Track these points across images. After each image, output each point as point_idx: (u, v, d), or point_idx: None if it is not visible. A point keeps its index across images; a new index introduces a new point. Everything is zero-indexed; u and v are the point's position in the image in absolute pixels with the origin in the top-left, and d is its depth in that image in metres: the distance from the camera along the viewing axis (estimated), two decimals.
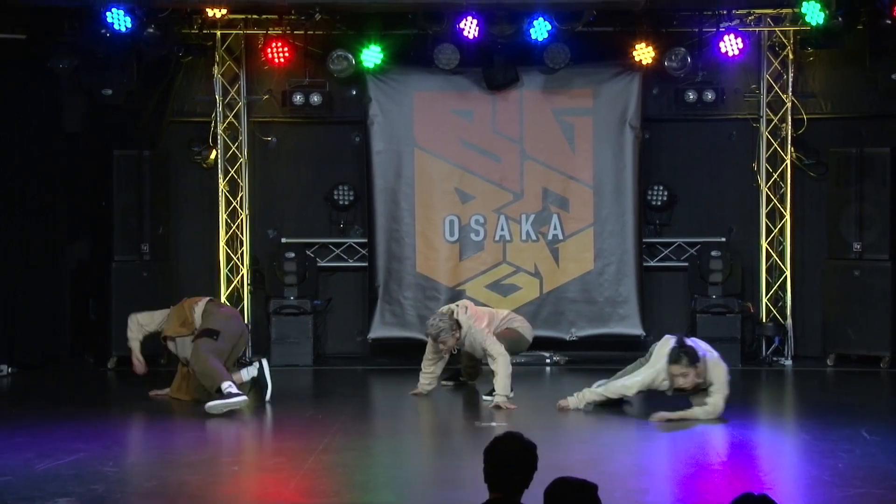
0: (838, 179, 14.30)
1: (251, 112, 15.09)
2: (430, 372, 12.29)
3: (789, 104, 14.67)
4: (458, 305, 12.19)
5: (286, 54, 14.28)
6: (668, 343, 11.11)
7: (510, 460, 5.90)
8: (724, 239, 14.85)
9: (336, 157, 15.20)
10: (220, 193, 14.87)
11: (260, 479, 8.99)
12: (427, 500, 8.06)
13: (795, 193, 14.70)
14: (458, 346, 12.11)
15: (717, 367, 10.85)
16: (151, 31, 13.34)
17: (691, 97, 14.43)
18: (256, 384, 11.89)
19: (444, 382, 12.67)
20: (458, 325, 11.86)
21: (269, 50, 14.27)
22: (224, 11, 14.04)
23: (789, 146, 14.68)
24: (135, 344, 12.17)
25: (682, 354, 10.73)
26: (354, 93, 14.93)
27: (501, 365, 11.62)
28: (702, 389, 10.85)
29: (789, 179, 14.70)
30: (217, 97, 14.89)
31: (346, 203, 15.02)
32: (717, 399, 10.72)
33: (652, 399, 11.20)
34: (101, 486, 8.58)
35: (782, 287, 14.73)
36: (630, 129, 14.59)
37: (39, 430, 10.51)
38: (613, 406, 11.51)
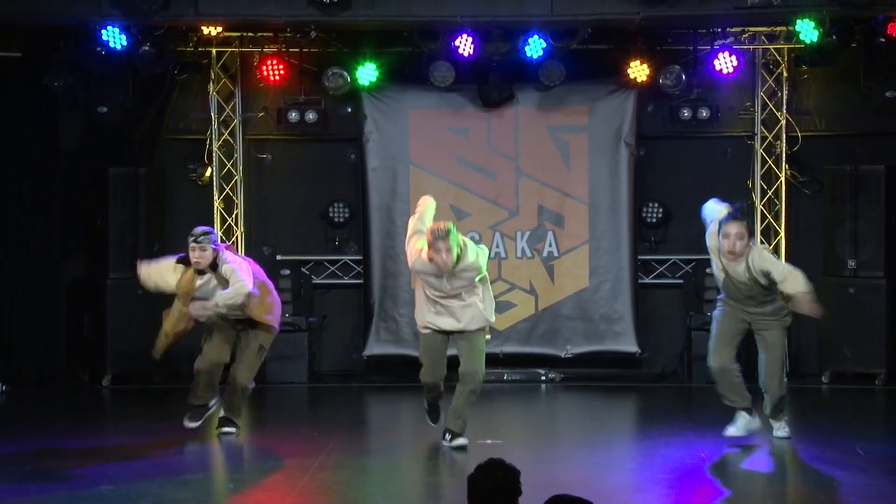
0: (833, 197, 14.31)
1: (246, 129, 15.10)
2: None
3: (784, 122, 14.69)
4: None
5: (281, 72, 14.29)
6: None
7: (492, 488, 5.91)
8: None
9: (331, 174, 15.20)
10: (215, 211, 14.87)
11: (256, 497, 8.98)
12: None
13: (790, 211, 14.72)
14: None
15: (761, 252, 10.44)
16: (147, 48, 13.34)
17: (686, 114, 14.45)
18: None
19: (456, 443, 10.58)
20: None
21: (264, 67, 14.29)
22: (219, 29, 14.06)
23: (784, 163, 14.70)
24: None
25: (740, 213, 10.46)
26: (350, 110, 14.93)
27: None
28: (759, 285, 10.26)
29: (784, 197, 14.72)
30: (212, 114, 14.91)
31: (342, 220, 15.03)
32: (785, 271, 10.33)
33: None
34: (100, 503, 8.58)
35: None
36: (625, 146, 14.61)
37: (33, 450, 10.49)
38: (610, 422, 11.49)
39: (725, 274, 10.33)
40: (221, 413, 11.03)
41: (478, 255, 10.33)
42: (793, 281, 10.14)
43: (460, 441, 10.28)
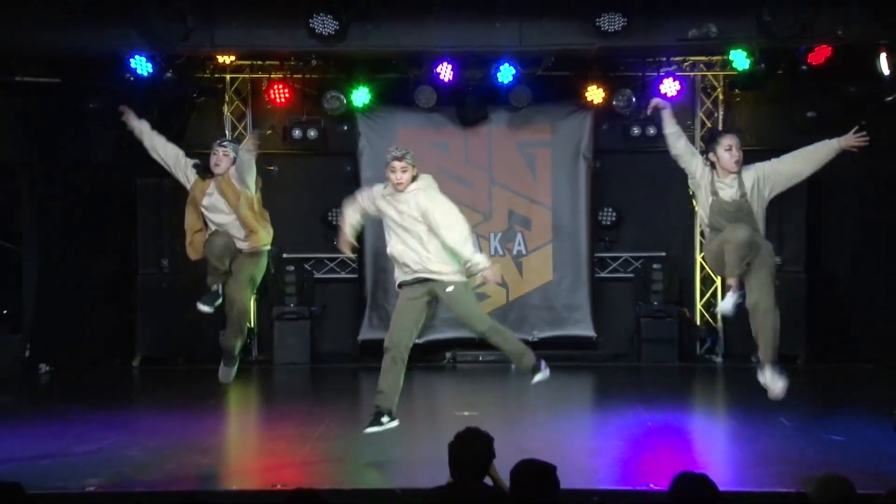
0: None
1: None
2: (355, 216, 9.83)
3: None
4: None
5: (286, 95, 14.33)
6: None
7: (468, 454, 5.96)
8: (664, 254, 14.92)
9: (330, 183, 15.20)
10: None
11: (263, 462, 9.00)
12: (411, 481, 8.07)
13: None
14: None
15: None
16: (169, 75, 13.36)
17: (636, 132, 14.51)
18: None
19: (367, 431, 9.12)
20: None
21: (271, 91, 14.33)
22: (233, 58, 14.07)
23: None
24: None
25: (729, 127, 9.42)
26: (346, 128, 14.95)
27: (463, 230, 9.05)
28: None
29: None
30: (227, 132, 14.91)
31: (339, 223, 15.02)
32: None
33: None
34: (128, 468, 8.59)
35: (714, 295, 14.81)
36: (583, 159, 14.65)
37: (73, 421, 10.51)
38: (570, 397, 11.49)
39: (715, 196, 9.01)
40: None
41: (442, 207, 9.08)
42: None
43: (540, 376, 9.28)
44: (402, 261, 9.12)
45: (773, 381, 8.78)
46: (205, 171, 9.69)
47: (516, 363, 9.34)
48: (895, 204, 14.13)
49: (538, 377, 9.20)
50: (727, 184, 9.00)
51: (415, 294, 9.05)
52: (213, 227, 9.66)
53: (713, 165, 9.03)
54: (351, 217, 9.48)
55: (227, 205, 9.54)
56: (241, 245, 9.60)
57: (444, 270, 8.96)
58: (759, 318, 8.91)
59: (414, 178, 9.14)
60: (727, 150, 9.00)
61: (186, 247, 9.75)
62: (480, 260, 8.96)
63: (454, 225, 8.92)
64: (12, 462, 8.70)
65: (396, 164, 9.09)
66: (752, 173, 9.06)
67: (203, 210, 9.64)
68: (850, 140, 9.16)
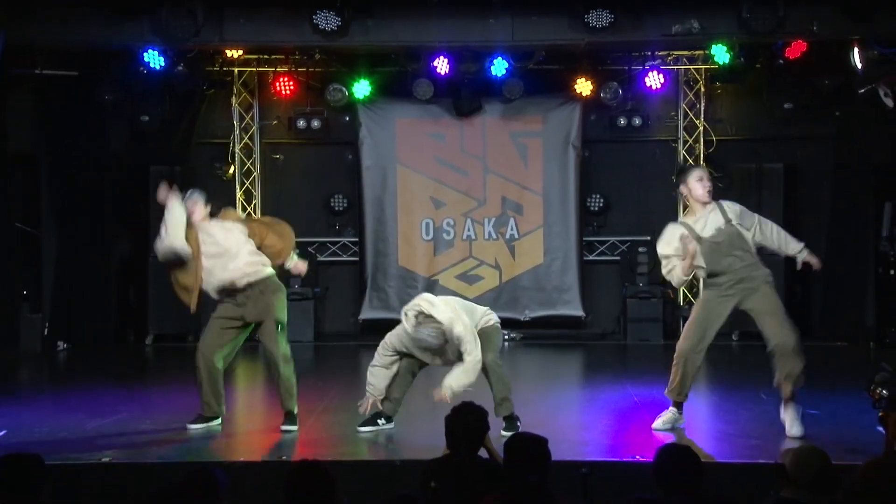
0: (741, 190, 14.31)
1: (263, 135, 15.08)
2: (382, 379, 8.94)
3: (701, 128, 14.72)
4: (421, 303, 8.67)
5: (291, 87, 14.29)
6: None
7: (464, 427, 5.93)
8: (649, 238, 14.84)
9: (332, 171, 15.19)
10: (237, 201, 14.84)
11: (270, 434, 8.95)
12: (409, 454, 8.04)
13: None
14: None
15: None
16: (181, 68, 13.34)
17: (622, 122, 14.49)
18: None
19: (361, 429, 8.77)
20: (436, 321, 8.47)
21: (277, 84, 14.30)
22: (240, 52, 14.06)
23: (702, 162, 14.71)
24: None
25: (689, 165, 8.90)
26: (347, 119, 14.92)
27: (471, 369, 8.48)
28: None
29: None
30: (235, 122, 14.90)
31: (341, 209, 15.02)
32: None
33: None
34: (141, 440, 8.56)
35: (696, 277, 14.72)
36: (573, 148, 14.62)
37: (89, 396, 10.48)
38: (560, 373, 11.46)
39: (699, 240, 8.54)
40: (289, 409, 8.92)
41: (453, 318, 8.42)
42: (769, 223, 8.74)
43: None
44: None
45: (794, 424, 8.52)
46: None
47: (497, 406, 8.50)
48: (866, 191, 14.11)
49: (509, 432, 8.27)
50: (704, 220, 8.62)
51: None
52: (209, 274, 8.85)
53: (684, 209, 8.78)
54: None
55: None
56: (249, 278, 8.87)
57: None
58: (789, 359, 8.53)
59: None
60: (699, 180, 8.62)
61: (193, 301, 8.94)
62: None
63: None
64: (32, 434, 8.67)
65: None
66: (735, 207, 8.73)
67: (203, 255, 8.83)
68: (811, 259, 8.68)
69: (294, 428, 8.83)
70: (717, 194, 14.53)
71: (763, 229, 8.69)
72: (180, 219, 8.78)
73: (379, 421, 8.84)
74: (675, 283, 8.96)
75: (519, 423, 8.48)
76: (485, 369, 8.65)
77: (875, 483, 4.95)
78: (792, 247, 8.71)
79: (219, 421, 8.96)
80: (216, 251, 8.82)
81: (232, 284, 8.79)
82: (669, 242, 8.70)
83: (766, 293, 8.63)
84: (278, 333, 8.92)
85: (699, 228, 8.61)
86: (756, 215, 8.75)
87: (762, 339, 8.83)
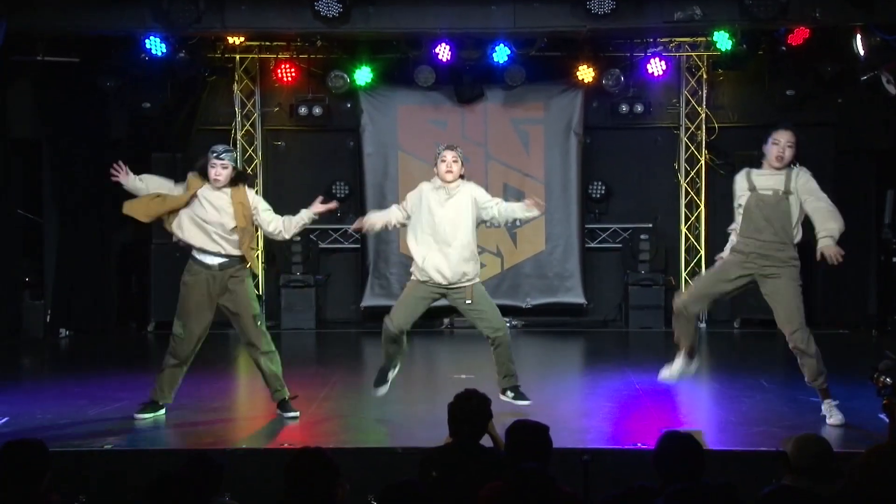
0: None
1: (264, 122, 15.08)
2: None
3: (703, 115, 14.71)
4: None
5: (293, 74, 14.28)
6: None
7: (466, 414, 5.93)
8: (651, 225, 14.89)
9: (334, 158, 15.19)
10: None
11: (272, 422, 8.96)
12: (411, 441, 8.04)
13: (709, 188, 14.75)
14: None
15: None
16: (182, 55, 13.33)
17: (624, 109, 14.48)
18: None
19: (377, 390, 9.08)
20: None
21: (279, 70, 14.29)
22: (242, 39, 14.05)
23: (704, 149, 14.74)
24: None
25: (788, 124, 8.70)
26: (349, 106, 14.91)
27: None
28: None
29: (704, 176, 14.75)
30: (236, 109, 14.90)
31: (343, 196, 15.00)
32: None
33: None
34: (142, 427, 8.57)
35: (698, 264, 14.77)
36: (574, 135, 14.60)
37: (91, 383, 10.49)
38: (562, 361, 11.45)
39: (752, 191, 8.44)
40: (281, 398, 8.93)
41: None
42: (824, 201, 8.53)
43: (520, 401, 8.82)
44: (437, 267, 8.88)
45: (831, 414, 8.37)
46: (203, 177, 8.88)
47: (500, 378, 8.87)
48: (868, 178, 14.11)
49: (519, 401, 8.77)
50: (768, 176, 8.45)
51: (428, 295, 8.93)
52: (190, 229, 8.78)
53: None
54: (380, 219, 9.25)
55: (232, 215, 8.79)
56: (229, 250, 8.78)
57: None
58: (804, 359, 8.48)
59: (462, 176, 9.01)
60: (775, 143, 8.42)
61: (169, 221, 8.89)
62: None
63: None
64: (34, 421, 8.68)
65: (448, 153, 8.99)
66: (808, 183, 8.52)
67: (189, 208, 8.80)
68: (828, 252, 8.34)
69: (296, 413, 8.82)
70: (720, 180, 14.66)
71: (810, 203, 8.47)
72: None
73: (389, 375, 8.99)
74: None
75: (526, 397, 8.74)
76: (497, 343, 8.78)
77: (877, 470, 4.95)
78: (820, 227, 8.40)
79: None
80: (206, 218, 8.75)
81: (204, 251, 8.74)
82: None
83: (785, 281, 8.50)
84: (258, 327, 8.83)
85: (758, 180, 8.47)
86: (816, 192, 8.53)
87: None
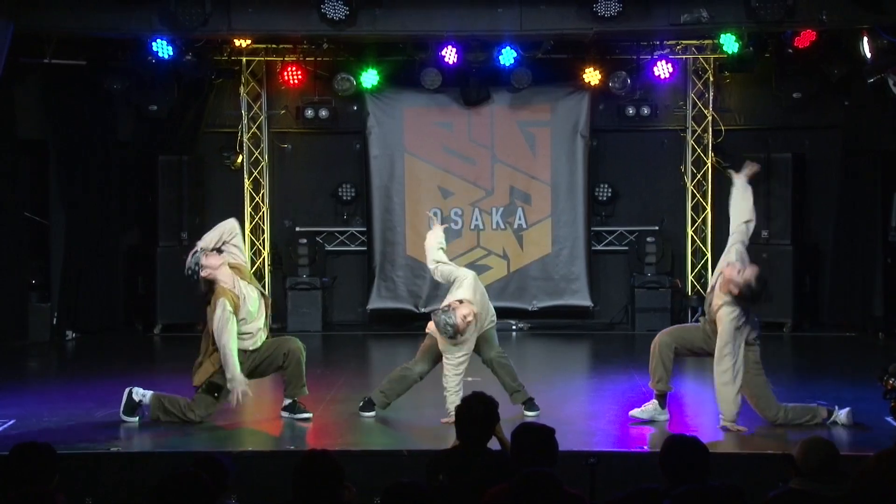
0: (749, 179, 14.30)
1: (271, 124, 15.07)
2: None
3: (710, 118, 14.68)
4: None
5: (299, 77, 14.28)
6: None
7: (474, 417, 5.94)
8: (657, 227, 14.87)
9: (340, 160, 15.18)
10: (245, 191, 14.86)
11: (279, 423, 8.99)
12: (418, 443, 8.06)
13: (715, 191, 14.70)
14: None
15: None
16: (189, 58, 13.35)
17: (630, 112, 14.46)
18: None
19: (363, 414, 9.08)
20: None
21: (285, 73, 14.28)
22: (248, 42, 14.04)
23: (710, 152, 14.70)
24: None
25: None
26: (355, 108, 14.90)
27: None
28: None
29: (710, 179, 14.71)
30: (243, 112, 14.89)
31: (349, 198, 15.01)
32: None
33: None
34: (148, 430, 8.59)
35: (704, 266, 14.76)
36: (581, 137, 14.59)
37: (98, 385, 10.51)
38: (568, 363, 11.44)
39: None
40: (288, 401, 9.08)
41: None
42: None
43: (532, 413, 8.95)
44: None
45: (841, 416, 8.52)
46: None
47: (513, 395, 9.08)
48: (874, 180, 14.09)
49: (531, 412, 8.99)
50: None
51: None
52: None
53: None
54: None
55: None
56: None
57: None
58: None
59: None
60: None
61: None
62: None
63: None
64: (40, 423, 8.70)
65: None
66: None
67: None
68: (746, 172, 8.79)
69: (310, 414, 8.97)
70: (727, 183, 14.63)
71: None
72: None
73: (374, 409, 9.06)
74: None
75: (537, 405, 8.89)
76: (492, 366, 8.86)
77: (885, 475, 4.95)
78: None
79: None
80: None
81: None
82: None
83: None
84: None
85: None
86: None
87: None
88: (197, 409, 8.75)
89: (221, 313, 8.47)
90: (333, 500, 4.94)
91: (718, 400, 8.51)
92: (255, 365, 8.88)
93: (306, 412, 9.00)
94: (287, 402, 9.04)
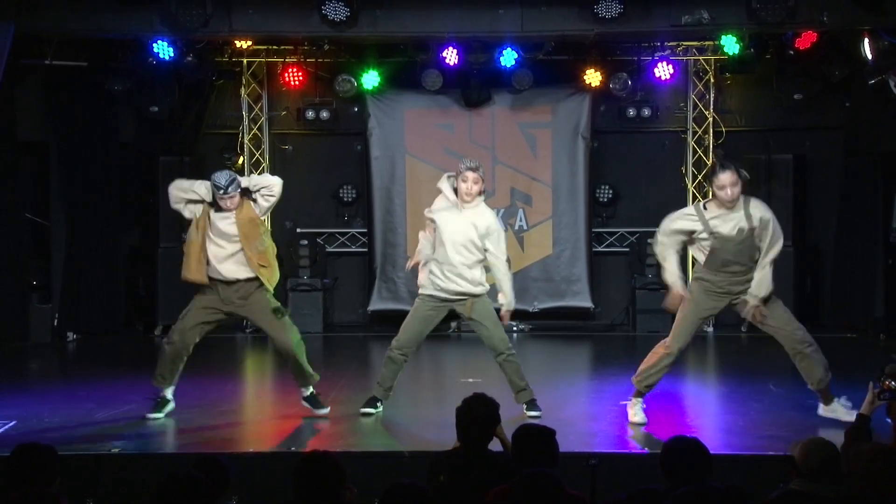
0: (750, 181, 14.28)
1: (272, 125, 15.08)
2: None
3: (711, 119, 14.70)
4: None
5: (300, 78, 14.29)
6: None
7: (475, 418, 5.94)
8: (658, 229, 14.85)
9: (341, 162, 15.19)
10: None
11: (279, 425, 8.99)
12: (419, 444, 8.06)
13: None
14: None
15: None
16: (190, 59, 13.36)
17: (631, 113, 14.47)
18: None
19: (363, 410, 9.11)
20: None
21: (286, 74, 14.29)
22: (249, 43, 14.05)
23: (711, 153, 14.71)
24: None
25: (727, 161, 8.91)
26: (356, 109, 14.92)
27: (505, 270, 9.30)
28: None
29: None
30: (244, 113, 14.91)
31: (350, 200, 15.02)
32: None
33: None
34: (149, 431, 8.59)
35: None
36: (582, 139, 14.60)
37: (99, 386, 10.52)
38: (569, 364, 11.45)
39: (714, 237, 8.58)
40: (307, 392, 9.14)
41: (498, 231, 9.10)
42: (777, 246, 8.72)
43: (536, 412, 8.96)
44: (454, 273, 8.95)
45: (841, 413, 8.55)
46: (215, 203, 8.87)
47: (516, 395, 9.07)
48: (875, 182, 14.10)
49: (532, 412, 8.97)
50: (728, 217, 8.59)
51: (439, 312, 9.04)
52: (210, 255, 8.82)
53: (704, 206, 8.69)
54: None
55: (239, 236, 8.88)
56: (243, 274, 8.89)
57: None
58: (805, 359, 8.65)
59: (481, 193, 9.04)
60: (721, 188, 8.57)
61: (192, 267, 8.89)
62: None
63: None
64: (41, 424, 8.70)
65: (469, 174, 8.92)
66: (764, 213, 8.68)
67: (208, 235, 8.85)
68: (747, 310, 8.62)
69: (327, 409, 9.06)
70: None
71: (766, 246, 8.66)
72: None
73: (378, 404, 9.06)
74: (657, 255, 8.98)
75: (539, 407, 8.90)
76: (500, 357, 8.82)
77: (882, 474, 4.96)
78: (754, 287, 8.63)
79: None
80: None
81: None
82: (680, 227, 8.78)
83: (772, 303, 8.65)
84: (283, 322, 8.98)
85: (713, 224, 8.59)
86: (772, 230, 8.69)
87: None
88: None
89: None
90: (334, 501, 4.94)
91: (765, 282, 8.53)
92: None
93: (324, 407, 9.07)
94: (306, 392, 9.09)
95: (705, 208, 8.72)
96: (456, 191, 9.01)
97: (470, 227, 8.95)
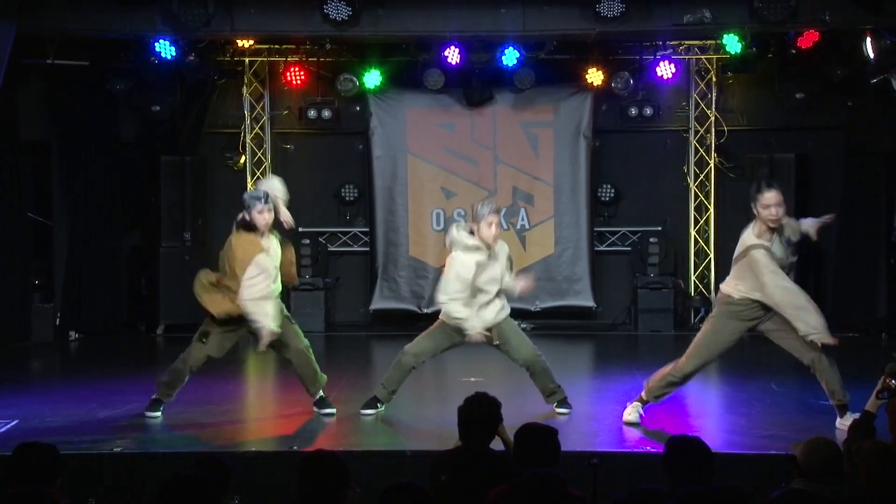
0: (753, 180, 14.29)
1: (273, 125, 15.09)
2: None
3: (713, 118, 14.69)
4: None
5: (302, 77, 14.30)
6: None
7: (476, 418, 5.94)
8: (660, 228, 14.88)
9: (343, 161, 15.20)
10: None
11: (280, 424, 8.99)
12: (420, 443, 8.06)
13: (718, 191, 14.74)
14: None
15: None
16: (192, 58, 13.36)
17: (633, 112, 14.45)
18: None
19: (363, 412, 9.09)
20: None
21: (288, 74, 14.30)
22: (251, 42, 14.06)
23: (713, 153, 14.72)
24: None
25: (771, 182, 8.51)
26: (358, 109, 14.92)
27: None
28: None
29: (713, 180, 14.73)
30: (246, 112, 14.92)
31: (352, 199, 15.03)
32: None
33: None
34: (151, 430, 8.59)
35: (707, 267, 14.77)
36: (583, 138, 14.60)
37: (101, 386, 10.51)
38: (571, 364, 11.45)
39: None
40: (318, 396, 9.17)
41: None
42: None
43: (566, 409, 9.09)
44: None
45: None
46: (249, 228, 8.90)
47: (547, 398, 9.17)
48: (877, 181, 14.09)
49: (563, 409, 9.10)
50: (774, 241, 8.32)
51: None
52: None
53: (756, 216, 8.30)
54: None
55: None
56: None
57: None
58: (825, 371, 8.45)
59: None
60: (766, 207, 8.23)
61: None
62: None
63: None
64: (43, 424, 8.70)
65: (494, 217, 8.99)
66: (792, 225, 8.44)
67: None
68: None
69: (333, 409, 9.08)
70: (729, 183, 14.67)
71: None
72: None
73: (378, 405, 9.04)
74: None
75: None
76: (530, 366, 9.09)
77: (882, 473, 4.96)
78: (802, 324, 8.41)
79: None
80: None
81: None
82: None
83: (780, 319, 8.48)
84: (291, 326, 9.06)
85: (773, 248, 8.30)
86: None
87: None
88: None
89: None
90: (337, 500, 4.94)
91: (801, 320, 8.25)
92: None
93: (331, 407, 9.08)
94: (315, 397, 9.13)
95: (758, 236, 8.35)
96: (472, 232, 8.95)
97: (499, 265, 9.04)
